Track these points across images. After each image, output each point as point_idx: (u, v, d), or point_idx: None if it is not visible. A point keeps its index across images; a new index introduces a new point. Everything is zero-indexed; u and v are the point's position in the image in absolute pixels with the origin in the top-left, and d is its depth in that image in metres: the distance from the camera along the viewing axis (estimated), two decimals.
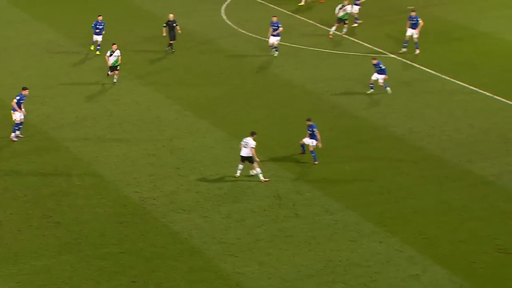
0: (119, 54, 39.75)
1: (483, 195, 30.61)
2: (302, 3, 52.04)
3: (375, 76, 39.00)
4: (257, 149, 31.74)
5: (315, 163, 32.88)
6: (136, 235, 28.26)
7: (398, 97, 39.21)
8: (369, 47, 45.40)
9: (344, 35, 46.46)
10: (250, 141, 31.59)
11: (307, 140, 33.14)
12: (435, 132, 35.65)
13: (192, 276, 26.12)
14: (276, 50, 43.85)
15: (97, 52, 43.54)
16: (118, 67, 39.88)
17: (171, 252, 27.34)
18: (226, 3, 53.14)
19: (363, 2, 48.14)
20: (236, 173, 31.86)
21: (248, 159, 31.73)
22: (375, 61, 39.09)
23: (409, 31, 43.88)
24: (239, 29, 48.23)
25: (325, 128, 35.28)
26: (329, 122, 36.54)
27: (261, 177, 31.74)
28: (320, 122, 34.67)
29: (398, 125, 36.29)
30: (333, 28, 46.52)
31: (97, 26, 43.46)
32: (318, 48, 45.28)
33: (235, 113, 37.74)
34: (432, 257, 26.93)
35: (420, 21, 43.59)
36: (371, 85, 39.12)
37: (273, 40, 43.70)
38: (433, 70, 42.03)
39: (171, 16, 44.35)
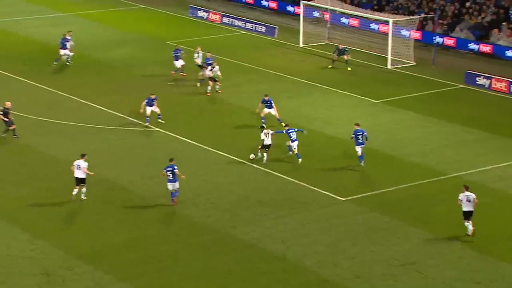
0: None
1: (245, 258, 29.02)
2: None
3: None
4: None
5: None
6: None
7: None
8: (130, 119, 43.08)
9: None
10: (81, 163, 32.18)
11: None
12: (200, 200, 33.91)
13: None
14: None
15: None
16: None
17: None
18: None
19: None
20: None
21: (82, 181, 32.46)
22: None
23: (148, 109, 41.55)
24: None
25: (95, 201, 32.61)
26: (99, 194, 33.85)
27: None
28: (90, 195, 31.93)
29: (164, 195, 34.05)
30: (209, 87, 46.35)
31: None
32: (84, 124, 42.34)
33: None
34: None
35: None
36: None
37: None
38: (195, 142, 40.55)
39: None
